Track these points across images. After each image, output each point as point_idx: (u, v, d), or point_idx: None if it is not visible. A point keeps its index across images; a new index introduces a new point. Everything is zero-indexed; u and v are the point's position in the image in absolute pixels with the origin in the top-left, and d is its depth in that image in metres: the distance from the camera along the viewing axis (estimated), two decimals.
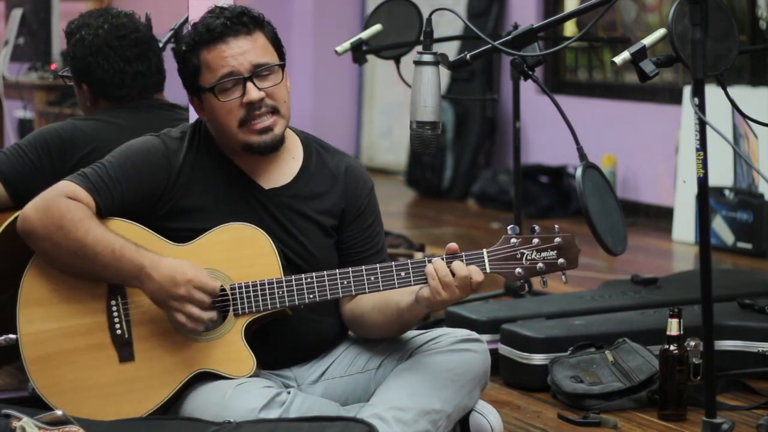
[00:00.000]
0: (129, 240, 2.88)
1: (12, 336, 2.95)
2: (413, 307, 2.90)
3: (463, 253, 2.88)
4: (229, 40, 2.93)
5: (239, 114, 2.93)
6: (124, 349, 2.91)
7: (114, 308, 2.91)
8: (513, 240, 2.91)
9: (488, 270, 2.89)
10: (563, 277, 2.94)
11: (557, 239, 2.91)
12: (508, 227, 2.92)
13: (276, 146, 2.97)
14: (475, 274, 2.84)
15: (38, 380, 2.91)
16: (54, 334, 2.91)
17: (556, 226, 2.95)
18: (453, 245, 2.88)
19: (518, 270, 2.90)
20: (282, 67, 2.98)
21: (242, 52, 2.92)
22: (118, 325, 2.91)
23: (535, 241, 2.90)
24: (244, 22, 2.94)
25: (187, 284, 2.83)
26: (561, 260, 2.91)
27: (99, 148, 3.34)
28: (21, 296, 2.91)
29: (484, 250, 2.90)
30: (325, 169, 3.08)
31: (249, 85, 2.92)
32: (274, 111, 2.95)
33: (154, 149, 2.99)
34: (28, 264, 2.93)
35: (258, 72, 2.93)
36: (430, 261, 2.87)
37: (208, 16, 2.96)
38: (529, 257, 2.90)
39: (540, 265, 2.90)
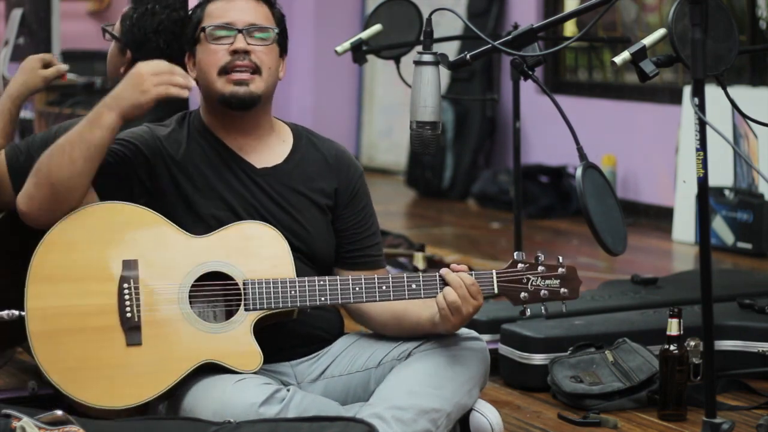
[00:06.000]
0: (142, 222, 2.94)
1: (15, 312, 2.94)
2: (434, 327, 2.97)
3: (472, 272, 2.95)
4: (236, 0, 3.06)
5: (222, 60, 3.02)
6: (132, 333, 2.90)
7: (126, 292, 2.91)
8: (520, 265, 3.00)
9: (496, 291, 2.98)
10: (563, 307, 3.05)
11: (561, 269, 3.02)
12: (515, 253, 3.01)
13: (248, 104, 3.02)
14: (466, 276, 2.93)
15: (41, 355, 2.88)
16: (62, 311, 2.90)
17: (560, 257, 3.04)
18: (460, 266, 2.96)
19: (523, 294, 2.99)
20: (278, 36, 3.08)
21: (243, 9, 3.06)
22: (128, 309, 2.90)
23: (541, 268, 3.01)
24: None
25: (170, 66, 2.92)
26: (563, 290, 3.01)
27: None
28: (31, 271, 2.90)
29: (493, 271, 2.99)
30: (317, 152, 3.14)
31: (239, 36, 3.02)
32: (256, 70, 3.02)
33: (143, 132, 3.06)
34: (41, 240, 2.92)
35: (251, 30, 3.04)
36: (443, 283, 2.93)
37: None
38: (534, 283, 3.00)
39: (544, 291, 3.00)
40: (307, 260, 3.06)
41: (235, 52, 3.01)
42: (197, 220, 3.00)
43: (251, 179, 3.05)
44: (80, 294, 2.91)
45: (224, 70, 3.01)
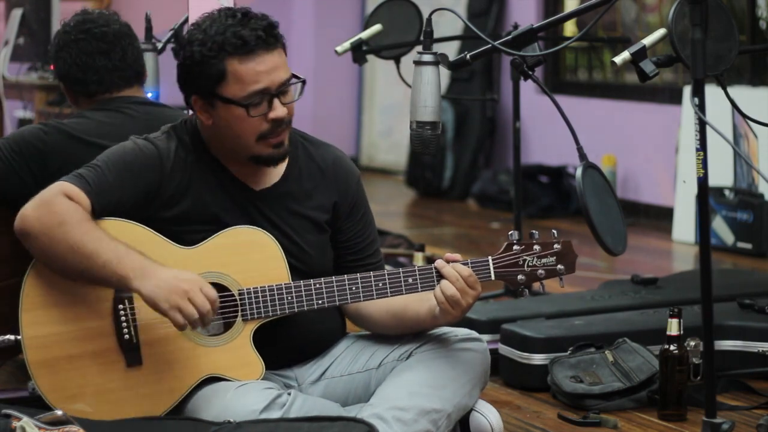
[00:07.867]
0: (130, 246, 2.85)
1: (11, 337, 2.93)
2: (435, 320, 2.95)
3: (468, 260, 2.92)
4: (263, 54, 2.87)
5: (262, 128, 2.90)
6: (132, 354, 2.88)
7: (122, 313, 2.88)
8: (515, 247, 2.96)
9: (493, 277, 2.95)
10: (561, 281, 3.00)
11: (556, 245, 2.97)
12: (509, 233, 2.97)
13: (285, 158, 2.97)
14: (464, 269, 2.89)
15: (43, 385, 2.87)
16: (59, 338, 2.87)
17: (554, 231, 3.00)
18: (454, 255, 2.92)
19: (520, 276, 2.96)
20: (302, 82, 2.96)
21: (275, 67, 2.89)
22: (125, 330, 2.88)
23: (536, 247, 2.96)
24: (275, 35, 2.91)
25: (193, 282, 2.78)
26: (560, 266, 2.97)
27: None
28: (23, 299, 2.87)
29: (489, 258, 2.95)
30: (313, 163, 3.08)
31: (276, 101, 2.89)
32: (288, 124, 2.95)
33: (147, 151, 2.95)
34: (29, 267, 2.89)
35: (283, 89, 2.91)
36: (439, 276, 2.90)
37: (233, 24, 2.87)
38: (530, 263, 2.97)
39: (540, 271, 2.97)
40: (308, 278, 2.99)
41: (276, 120, 2.90)
42: (193, 245, 2.93)
43: (251, 203, 2.99)
44: (76, 318, 2.87)
45: (264, 136, 2.91)
